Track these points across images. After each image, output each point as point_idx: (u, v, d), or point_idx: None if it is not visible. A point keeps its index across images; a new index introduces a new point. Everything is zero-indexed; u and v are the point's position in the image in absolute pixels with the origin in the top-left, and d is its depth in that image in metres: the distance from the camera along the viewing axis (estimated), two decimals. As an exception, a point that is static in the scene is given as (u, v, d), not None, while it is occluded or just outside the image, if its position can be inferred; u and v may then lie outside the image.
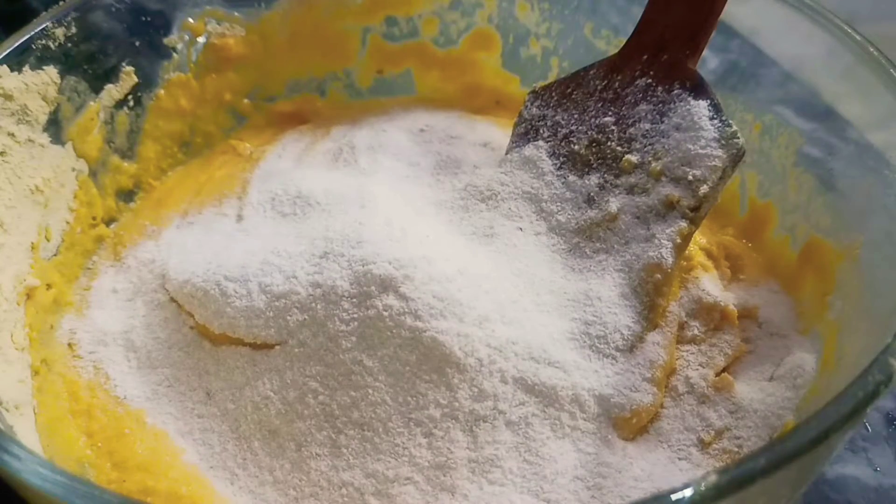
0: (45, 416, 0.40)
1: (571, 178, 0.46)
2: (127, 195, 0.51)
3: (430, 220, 0.46)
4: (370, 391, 0.38)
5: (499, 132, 0.54)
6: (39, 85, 0.45)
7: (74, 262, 0.47)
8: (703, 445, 0.39)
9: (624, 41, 0.53)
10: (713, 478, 0.26)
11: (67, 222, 0.46)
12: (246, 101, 0.55)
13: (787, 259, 0.46)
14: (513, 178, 0.47)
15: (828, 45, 0.44)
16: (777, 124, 0.48)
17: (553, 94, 0.49)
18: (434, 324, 0.39)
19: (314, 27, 0.55)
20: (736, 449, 0.39)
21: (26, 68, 0.45)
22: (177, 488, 0.38)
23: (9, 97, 0.43)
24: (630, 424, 0.39)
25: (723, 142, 0.43)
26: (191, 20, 0.52)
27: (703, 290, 0.44)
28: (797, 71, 0.48)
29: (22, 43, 0.45)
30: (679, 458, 0.39)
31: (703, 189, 0.42)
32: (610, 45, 0.55)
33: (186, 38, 0.52)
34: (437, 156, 0.52)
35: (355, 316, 0.39)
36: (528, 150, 0.48)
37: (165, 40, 0.51)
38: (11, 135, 0.43)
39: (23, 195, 0.43)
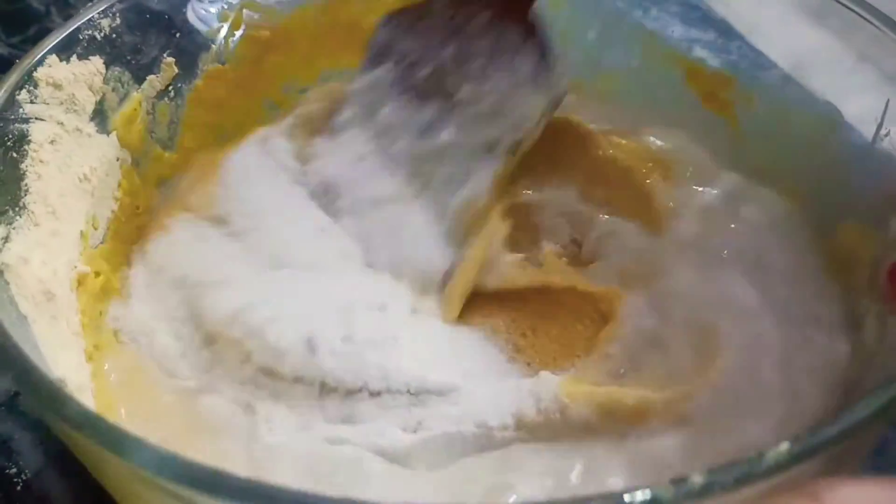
0: (100, 401, 0.40)
1: (412, 107, 0.47)
2: (167, 185, 0.51)
3: None
4: None
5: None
6: (86, 75, 0.45)
7: (119, 250, 0.47)
8: None
9: (646, 36, 0.54)
10: (785, 446, 0.27)
11: (113, 211, 0.47)
12: (281, 92, 0.55)
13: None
14: (360, 103, 0.48)
15: (829, 45, 0.45)
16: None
17: (404, 19, 0.49)
18: None
19: (348, 19, 0.55)
20: None
21: (74, 58, 0.45)
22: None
23: (58, 86, 0.44)
24: None
25: (546, 84, 0.45)
26: (229, 11, 0.53)
27: None
28: (797, 71, 0.49)
29: (70, 33, 0.45)
30: None
31: (522, 132, 0.44)
32: (632, 37, 0.55)
33: (225, 28, 0.52)
34: None
35: None
36: (376, 74, 0.49)
37: (204, 31, 0.52)
38: (61, 123, 0.44)
39: (72, 184, 0.44)
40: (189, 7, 0.51)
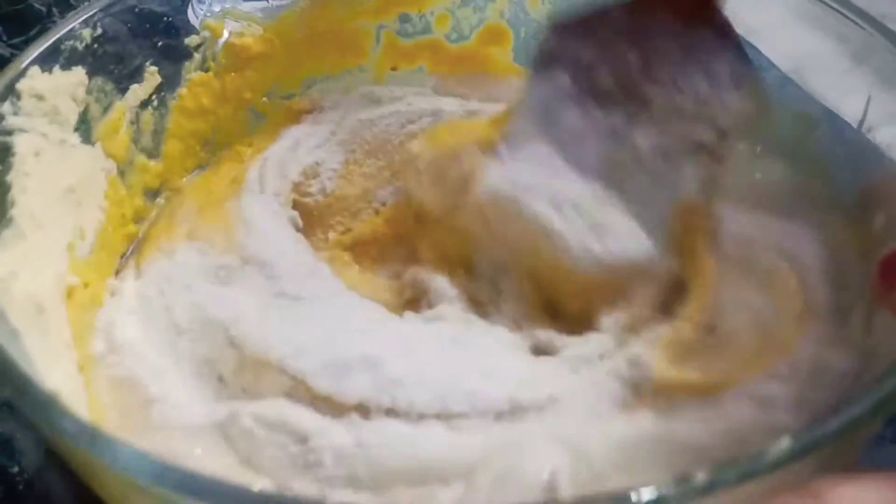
0: (94, 414, 0.40)
1: (597, 113, 0.45)
2: (154, 194, 0.51)
3: None
4: None
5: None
6: (69, 86, 0.45)
7: (107, 261, 0.47)
8: None
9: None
10: (787, 443, 0.27)
11: (100, 221, 0.46)
12: (265, 99, 0.55)
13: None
14: (536, 112, 0.45)
15: (828, 46, 0.46)
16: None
17: (575, 27, 0.47)
18: None
19: (330, 25, 0.55)
20: None
21: (56, 69, 0.45)
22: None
23: (41, 98, 0.43)
24: None
25: (747, 84, 0.43)
26: (211, 20, 0.52)
27: None
28: (796, 72, 0.49)
29: (52, 44, 0.45)
30: None
31: (732, 131, 0.43)
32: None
33: (207, 37, 0.52)
34: None
35: None
36: (551, 81, 0.46)
37: (187, 40, 0.52)
38: (44, 135, 0.43)
39: (58, 195, 0.43)
40: (189, 8, 0.51)
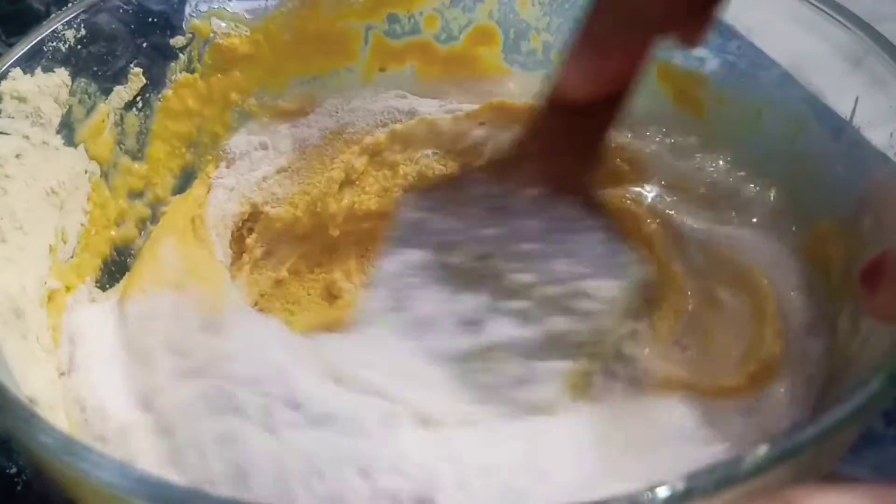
0: (72, 420, 0.39)
1: (449, 296, 0.39)
2: (138, 196, 0.51)
3: None
4: None
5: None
6: (51, 87, 0.45)
7: (90, 263, 0.47)
8: None
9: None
10: (764, 449, 0.27)
11: (82, 224, 0.46)
12: (251, 100, 0.55)
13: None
14: (387, 292, 0.40)
15: (828, 45, 0.45)
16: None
17: (432, 196, 0.43)
18: None
19: (318, 26, 0.55)
20: None
21: (38, 71, 0.44)
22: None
23: (22, 100, 0.43)
24: None
25: (619, 270, 0.38)
26: (196, 21, 0.52)
27: None
28: (796, 70, 0.49)
29: (34, 45, 0.44)
30: None
31: (596, 324, 0.38)
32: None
33: (193, 38, 0.52)
34: None
35: None
36: (403, 259, 0.41)
37: (172, 41, 0.51)
38: (26, 137, 0.43)
39: (40, 198, 0.43)
40: (186, 8, 0.51)
